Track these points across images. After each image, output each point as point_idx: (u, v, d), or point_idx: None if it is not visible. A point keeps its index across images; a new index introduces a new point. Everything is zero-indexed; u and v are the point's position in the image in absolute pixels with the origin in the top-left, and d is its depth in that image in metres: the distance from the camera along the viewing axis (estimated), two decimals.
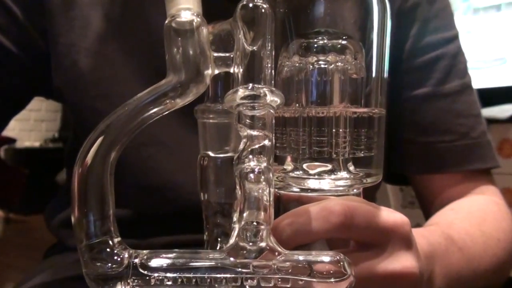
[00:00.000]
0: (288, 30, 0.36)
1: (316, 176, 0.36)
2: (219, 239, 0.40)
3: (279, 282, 0.29)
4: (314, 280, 0.29)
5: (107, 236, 0.31)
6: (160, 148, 0.59)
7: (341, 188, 0.36)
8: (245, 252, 0.30)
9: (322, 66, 0.35)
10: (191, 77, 0.33)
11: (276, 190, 0.37)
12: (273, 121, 0.31)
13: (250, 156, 0.30)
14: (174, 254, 0.31)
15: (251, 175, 0.30)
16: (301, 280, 0.29)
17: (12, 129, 4.65)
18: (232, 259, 0.30)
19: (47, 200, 0.76)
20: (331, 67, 0.35)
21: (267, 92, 0.31)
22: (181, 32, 0.33)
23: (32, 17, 0.59)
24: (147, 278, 0.30)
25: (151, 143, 0.59)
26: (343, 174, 0.36)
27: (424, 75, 0.63)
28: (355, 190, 0.37)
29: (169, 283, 0.30)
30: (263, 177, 0.30)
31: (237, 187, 0.30)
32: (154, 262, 0.30)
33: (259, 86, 0.31)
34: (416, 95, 0.63)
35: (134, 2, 0.59)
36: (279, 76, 0.36)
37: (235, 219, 0.30)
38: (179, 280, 0.30)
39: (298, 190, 0.37)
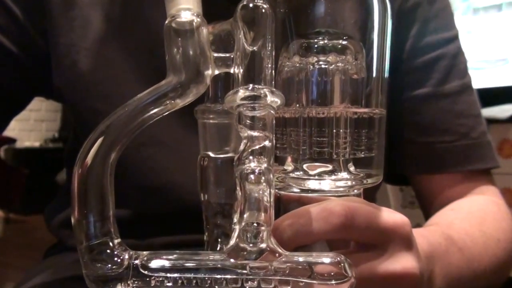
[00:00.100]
0: (288, 30, 0.36)
1: (317, 177, 0.36)
2: (219, 239, 0.40)
3: (280, 284, 0.29)
4: (315, 282, 0.29)
5: (107, 237, 0.31)
6: (160, 148, 0.59)
7: (341, 189, 0.36)
8: (245, 253, 0.30)
9: (323, 66, 0.35)
10: (191, 77, 0.33)
11: (276, 190, 0.37)
12: (274, 121, 0.31)
13: (251, 157, 0.30)
14: (174, 255, 0.30)
15: (252, 176, 0.30)
16: (302, 282, 0.29)
17: (12, 129, 4.65)
18: (232, 260, 0.30)
19: (47, 200, 0.76)
20: (331, 67, 0.35)
21: (267, 93, 0.31)
22: (181, 32, 0.33)
23: (32, 17, 0.59)
24: (147, 279, 0.30)
25: (151, 143, 0.59)
26: (344, 174, 0.36)
27: (424, 75, 0.63)
28: (355, 191, 0.37)
29: (169, 284, 0.30)
30: (263, 178, 0.30)
31: (238, 188, 0.30)
32: (154, 263, 0.30)
33: (260, 86, 0.31)
34: (416, 95, 0.63)
35: (134, 3, 0.59)
36: (280, 76, 0.36)
37: (235, 220, 0.30)
38: (179, 281, 0.30)
39: (298, 190, 0.36)
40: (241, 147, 0.31)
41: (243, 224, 0.29)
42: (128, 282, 0.30)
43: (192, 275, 0.30)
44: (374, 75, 0.37)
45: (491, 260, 0.55)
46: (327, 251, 0.36)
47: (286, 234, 0.33)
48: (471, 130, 0.63)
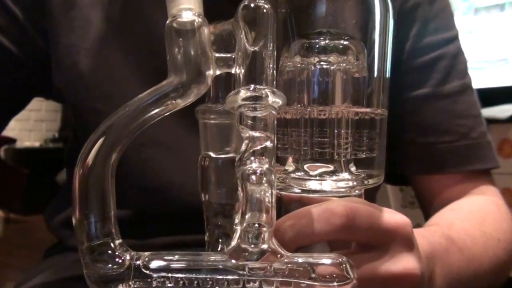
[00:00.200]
0: (289, 30, 0.36)
1: (318, 177, 0.36)
2: (220, 240, 0.40)
3: (281, 285, 0.29)
4: (317, 283, 0.29)
5: (108, 237, 0.31)
6: (160, 149, 0.59)
7: (342, 189, 0.36)
8: (247, 254, 0.30)
9: (324, 66, 0.35)
10: (193, 77, 0.33)
11: (277, 191, 0.37)
12: (275, 122, 0.31)
13: (252, 158, 0.30)
14: (175, 256, 0.30)
15: (253, 177, 0.30)
16: (303, 283, 0.29)
17: (12, 129, 4.65)
18: (234, 261, 0.30)
19: (47, 200, 0.76)
20: (333, 67, 0.34)
21: (269, 93, 0.31)
22: (182, 32, 0.32)
23: (32, 17, 0.59)
24: (149, 279, 0.30)
25: (150, 144, 0.59)
26: (345, 175, 0.36)
27: (424, 75, 0.63)
28: (356, 191, 0.37)
29: (171, 285, 0.30)
30: (265, 178, 0.30)
31: (239, 188, 0.30)
32: (156, 264, 0.30)
33: (261, 87, 0.31)
34: (416, 95, 0.63)
35: (134, 3, 0.59)
36: (281, 76, 0.36)
37: (237, 220, 0.30)
38: (181, 282, 0.30)
39: (299, 191, 0.36)
40: (243, 147, 0.31)
41: (244, 225, 0.29)
42: (130, 283, 0.30)
43: (193, 276, 0.30)
44: (375, 75, 0.37)
45: (491, 260, 0.55)
46: (328, 252, 0.36)
47: (287, 234, 0.33)
48: (471, 130, 0.63)
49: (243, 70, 0.32)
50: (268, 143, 0.30)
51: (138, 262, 0.30)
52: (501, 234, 0.58)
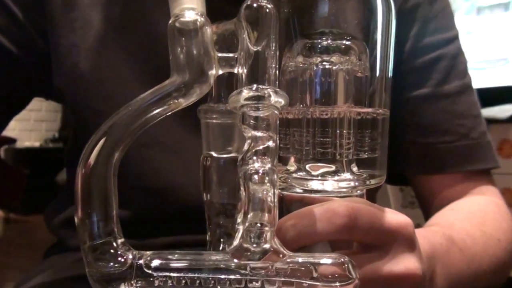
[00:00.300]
0: (292, 30, 0.36)
1: (319, 177, 0.36)
2: (221, 239, 0.40)
3: (283, 285, 0.29)
4: (319, 283, 0.29)
5: (110, 236, 0.31)
6: (161, 149, 0.59)
7: (344, 190, 0.36)
8: (249, 253, 0.30)
9: (326, 67, 0.35)
10: (195, 77, 0.33)
11: (279, 191, 0.37)
12: (278, 122, 0.31)
13: (254, 157, 0.30)
14: (177, 255, 0.30)
15: (256, 176, 0.30)
16: (305, 283, 0.29)
17: (12, 129, 4.65)
18: (236, 260, 0.30)
19: (47, 200, 0.76)
20: (335, 67, 0.35)
21: (271, 93, 0.31)
22: (185, 32, 0.33)
23: (32, 17, 0.59)
24: (151, 279, 0.30)
25: (151, 144, 0.59)
26: (347, 175, 0.36)
27: (424, 75, 0.63)
28: (358, 192, 0.37)
29: (173, 284, 0.30)
30: (267, 178, 0.30)
31: (242, 188, 0.30)
32: (158, 263, 0.30)
33: (264, 87, 0.31)
34: (416, 95, 0.63)
35: (134, 3, 0.59)
36: (283, 76, 0.36)
37: (239, 220, 0.30)
38: (183, 281, 0.30)
39: (301, 191, 0.36)
40: (245, 147, 0.31)
41: (246, 224, 0.29)
42: (132, 282, 0.30)
43: (195, 275, 0.30)
44: (377, 74, 0.37)
45: (492, 260, 0.55)
46: (329, 252, 0.36)
47: (289, 234, 0.33)
48: (471, 130, 0.63)
49: (245, 70, 0.32)
50: (271, 143, 0.30)
51: (140, 261, 0.30)
52: (501, 234, 0.58)
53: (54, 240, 0.72)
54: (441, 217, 0.59)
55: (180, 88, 0.32)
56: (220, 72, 0.35)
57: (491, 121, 1.44)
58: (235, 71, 0.34)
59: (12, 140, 4.41)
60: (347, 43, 0.35)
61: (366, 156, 0.36)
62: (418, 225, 0.54)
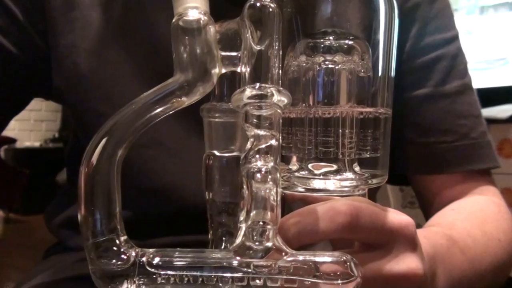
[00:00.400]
0: (295, 30, 0.36)
1: (322, 176, 0.36)
2: (223, 238, 0.40)
3: (286, 283, 0.29)
4: (321, 281, 0.29)
5: (113, 234, 0.31)
6: (161, 150, 0.59)
7: (346, 189, 0.36)
8: (251, 251, 0.30)
9: (329, 66, 0.35)
10: (198, 76, 0.33)
11: (281, 189, 0.37)
12: (280, 120, 0.31)
13: (257, 156, 0.30)
14: (180, 253, 0.31)
15: (258, 175, 0.30)
16: (308, 280, 0.29)
17: (12, 129, 4.65)
18: (238, 258, 0.30)
19: (47, 200, 0.76)
20: (338, 67, 0.35)
21: (274, 92, 0.31)
22: (188, 30, 0.33)
23: (32, 18, 0.59)
24: (154, 276, 0.30)
25: (152, 144, 0.58)
26: (349, 174, 0.36)
27: (424, 75, 0.63)
28: (360, 191, 0.37)
29: (175, 281, 0.30)
30: (270, 176, 0.30)
31: (244, 186, 0.30)
32: (161, 261, 0.30)
33: (266, 85, 0.31)
34: (416, 95, 0.63)
35: (134, 3, 0.59)
36: (286, 76, 0.36)
37: (241, 218, 0.30)
38: (185, 278, 0.30)
39: (303, 190, 0.37)
40: (248, 145, 0.31)
41: (249, 222, 0.29)
42: (134, 279, 0.30)
43: (198, 273, 0.30)
44: (380, 74, 0.37)
45: (492, 261, 0.55)
46: (330, 250, 0.36)
47: (291, 232, 0.33)
48: (471, 130, 0.63)
49: (248, 69, 0.32)
50: (273, 142, 0.31)
51: (143, 259, 0.31)
52: (502, 234, 0.58)
53: (54, 240, 0.72)
54: (441, 217, 0.59)
55: (183, 87, 0.32)
56: (223, 71, 0.35)
57: (491, 121, 1.44)
58: (238, 70, 0.34)
59: (12, 140, 4.41)
60: (350, 42, 0.35)
61: (368, 155, 0.36)
62: (418, 225, 0.54)
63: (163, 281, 0.30)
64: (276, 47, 0.32)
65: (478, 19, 1.92)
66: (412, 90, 0.63)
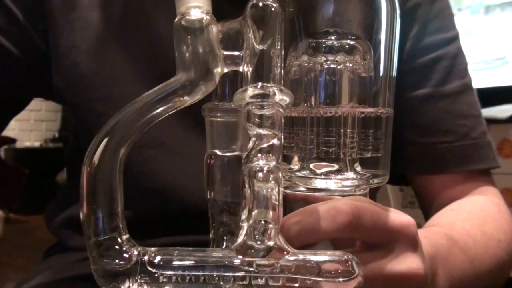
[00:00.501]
0: (297, 29, 0.36)
1: (323, 176, 0.36)
2: (225, 237, 0.40)
3: (287, 281, 0.29)
4: (322, 279, 0.29)
5: (115, 233, 0.31)
6: (162, 150, 0.59)
7: (347, 188, 0.36)
8: (253, 251, 0.30)
9: (331, 66, 0.35)
10: (201, 75, 0.33)
11: (283, 189, 0.37)
12: (282, 120, 0.31)
13: (259, 155, 0.30)
14: (182, 252, 0.31)
15: (260, 174, 0.30)
16: (309, 279, 0.29)
17: (12, 129, 4.65)
18: (240, 257, 0.30)
19: (47, 200, 0.76)
20: (339, 67, 0.35)
21: (276, 91, 0.31)
22: (190, 30, 0.33)
23: (32, 18, 0.59)
24: (155, 275, 0.30)
25: (152, 145, 0.58)
26: (350, 174, 0.36)
27: (424, 75, 0.63)
28: (361, 191, 0.37)
29: (177, 280, 0.30)
30: (272, 176, 0.30)
31: (246, 185, 0.30)
32: (162, 260, 0.30)
33: (268, 85, 0.31)
34: (416, 95, 0.63)
35: (134, 3, 0.59)
36: (288, 75, 0.36)
37: (243, 217, 0.30)
38: (187, 277, 0.30)
39: (304, 189, 0.37)
40: (250, 145, 0.31)
41: (251, 221, 0.29)
42: (136, 278, 0.30)
43: (200, 272, 0.30)
44: (381, 74, 0.37)
45: (492, 261, 0.55)
46: (332, 250, 0.36)
47: (293, 231, 0.33)
48: (471, 130, 0.63)
49: (250, 69, 0.32)
50: (275, 141, 0.31)
51: (145, 258, 0.31)
52: (502, 234, 0.58)
53: (54, 240, 0.72)
54: (441, 217, 0.59)
55: (186, 86, 0.33)
56: (225, 70, 0.35)
57: (491, 121, 1.44)
58: (240, 69, 0.34)
59: (12, 140, 4.41)
60: (352, 42, 0.35)
61: (369, 155, 0.36)
62: (418, 225, 0.54)
63: (164, 280, 0.30)
64: (278, 47, 0.32)
65: (482, 19, 1.92)
66: (412, 90, 0.63)
